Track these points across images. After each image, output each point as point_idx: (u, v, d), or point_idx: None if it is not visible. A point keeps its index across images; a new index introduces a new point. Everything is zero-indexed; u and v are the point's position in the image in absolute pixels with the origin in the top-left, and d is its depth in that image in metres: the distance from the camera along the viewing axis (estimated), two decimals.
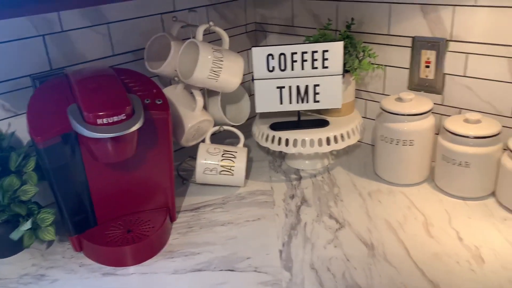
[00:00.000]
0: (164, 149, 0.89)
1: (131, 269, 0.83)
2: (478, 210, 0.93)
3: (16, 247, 0.86)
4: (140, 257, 0.84)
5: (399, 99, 1.02)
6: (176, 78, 1.04)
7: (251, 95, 1.12)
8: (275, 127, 1.09)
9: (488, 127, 0.93)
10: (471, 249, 0.82)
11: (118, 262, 0.84)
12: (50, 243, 0.90)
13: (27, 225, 0.80)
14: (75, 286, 0.79)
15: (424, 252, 0.82)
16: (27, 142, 0.95)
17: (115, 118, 0.73)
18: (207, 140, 1.07)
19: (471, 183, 0.95)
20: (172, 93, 1.04)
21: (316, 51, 1.00)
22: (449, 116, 1.02)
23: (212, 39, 1.12)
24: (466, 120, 0.96)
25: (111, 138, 0.75)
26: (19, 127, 0.93)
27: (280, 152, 1.20)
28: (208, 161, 1.03)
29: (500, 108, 0.98)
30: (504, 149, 0.93)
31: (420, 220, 0.91)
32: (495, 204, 0.94)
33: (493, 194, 0.96)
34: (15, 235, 0.80)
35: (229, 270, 0.81)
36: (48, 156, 0.78)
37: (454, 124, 0.96)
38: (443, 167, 0.98)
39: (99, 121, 0.73)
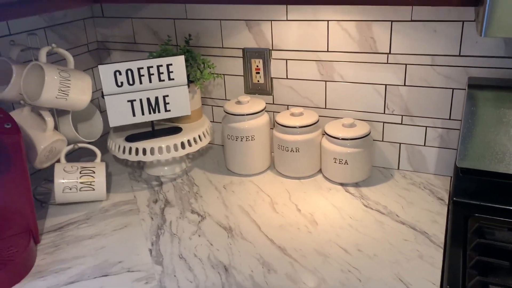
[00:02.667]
0: (19, 173, 0.89)
1: None
2: (310, 186, 1.14)
3: None
4: (8, 282, 0.83)
5: (239, 102, 1.18)
6: (22, 102, 1.03)
7: (103, 111, 1.17)
8: (130, 139, 1.15)
9: (309, 117, 1.15)
10: (307, 216, 1.01)
11: None
12: None
13: None
14: None
15: (272, 226, 0.98)
16: None
17: None
18: (63, 160, 1.09)
19: (303, 165, 1.15)
20: (19, 116, 1.03)
21: (161, 65, 1.10)
22: (279, 112, 1.21)
23: (55, 59, 1.13)
24: (292, 114, 1.16)
25: None
26: None
27: (139, 162, 1.26)
28: (66, 179, 1.05)
29: (316, 101, 1.21)
30: (323, 134, 1.15)
31: (267, 201, 1.08)
32: (322, 179, 1.16)
33: (320, 171, 1.18)
34: None
35: (103, 276, 0.86)
36: None
37: (283, 118, 1.15)
38: (279, 155, 1.17)
39: None
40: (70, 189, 1.05)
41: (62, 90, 0.99)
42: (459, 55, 1.02)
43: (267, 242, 0.93)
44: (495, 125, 0.92)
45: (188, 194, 1.13)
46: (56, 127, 1.09)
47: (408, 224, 0.96)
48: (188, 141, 1.16)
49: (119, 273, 0.86)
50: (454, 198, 0.99)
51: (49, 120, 1.04)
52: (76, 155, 1.20)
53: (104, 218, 1.04)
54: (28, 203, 0.92)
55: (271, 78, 1.24)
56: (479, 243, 0.84)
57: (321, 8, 1.11)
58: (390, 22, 1.05)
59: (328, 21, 1.11)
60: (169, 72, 1.11)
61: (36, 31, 1.17)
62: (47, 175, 1.19)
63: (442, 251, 0.87)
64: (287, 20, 1.16)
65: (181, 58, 1.11)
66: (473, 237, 0.87)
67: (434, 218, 0.97)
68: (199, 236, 0.96)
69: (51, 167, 1.08)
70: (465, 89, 0.99)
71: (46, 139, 1.03)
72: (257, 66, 1.24)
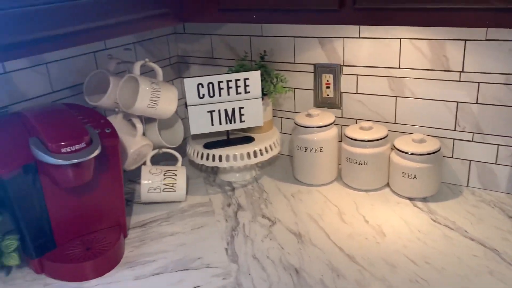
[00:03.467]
0: (115, 173, 1.01)
1: (94, 282, 0.92)
2: (377, 198, 1.17)
3: None
4: (101, 270, 0.94)
5: (309, 115, 1.24)
6: (116, 109, 1.15)
7: (183, 119, 1.27)
8: (207, 146, 1.24)
9: (378, 131, 1.18)
10: (375, 228, 1.04)
11: (81, 277, 0.92)
12: (8, 270, 0.96)
13: None
14: None
15: (341, 234, 1.02)
16: None
17: (77, 146, 0.84)
18: (148, 163, 1.20)
19: (370, 177, 1.19)
20: (114, 122, 1.15)
21: (238, 79, 1.19)
22: (348, 125, 1.26)
23: (143, 71, 1.25)
24: (361, 128, 1.20)
25: (72, 164, 0.85)
26: None
27: (213, 168, 1.35)
28: (152, 181, 1.16)
29: (386, 116, 1.24)
30: (392, 148, 1.18)
31: (335, 211, 1.12)
32: (390, 192, 1.19)
33: (387, 184, 1.21)
34: None
35: (184, 270, 0.94)
36: (11, 186, 0.86)
37: (352, 131, 1.19)
38: (347, 167, 1.21)
39: (63, 150, 0.83)
40: (154, 189, 1.15)
41: (153, 100, 1.10)
42: None
43: (335, 250, 0.97)
44: None
45: (258, 200, 1.20)
46: (144, 134, 1.20)
47: (477, 241, 0.97)
48: (260, 150, 1.23)
49: (199, 268, 0.94)
50: None
51: (139, 126, 1.15)
52: (155, 159, 1.30)
53: (183, 217, 1.14)
54: (120, 200, 1.03)
55: (341, 92, 1.29)
56: None
57: (394, 27, 1.15)
58: (464, 41, 1.07)
59: (400, 39, 1.15)
60: (245, 85, 1.20)
61: (129, 45, 1.30)
62: (130, 176, 1.31)
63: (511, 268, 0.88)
64: (359, 37, 1.21)
65: (258, 73, 1.19)
66: None
67: (505, 236, 0.97)
68: (271, 239, 1.02)
69: (135, 170, 1.19)
70: None
71: (136, 144, 1.15)
72: (327, 80, 1.29)
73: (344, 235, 1.02)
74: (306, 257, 0.95)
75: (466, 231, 1.00)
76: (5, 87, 1.04)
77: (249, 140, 1.26)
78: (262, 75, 1.25)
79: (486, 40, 1.05)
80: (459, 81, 1.11)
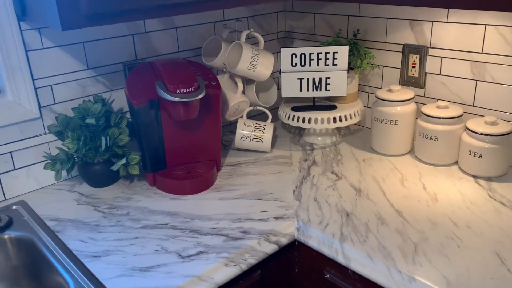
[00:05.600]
0: (216, 118, 1.26)
1: (190, 196, 1.20)
2: (443, 172, 1.25)
3: (111, 178, 1.25)
4: (196, 189, 1.21)
5: (390, 90, 1.36)
6: (224, 69, 1.41)
7: (279, 89, 1.48)
8: (295, 109, 1.44)
9: (453, 111, 1.26)
10: (430, 194, 1.15)
11: (182, 191, 1.20)
12: (131, 180, 1.29)
13: (123, 160, 1.18)
14: (152, 204, 1.17)
15: (396, 194, 1.15)
16: (118, 109, 1.34)
17: (188, 89, 1.11)
18: (244, 116, 1.44)
19: (440, 153, 1.28)
20: (221, 79, 1.41)
21: (328, 52, 1.36)
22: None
23: (252, 41, 1.49)
24: (438, 106, 1.29)
25: (183, 102, 1.12)
26: (114, 98, 1.32)
27: (299, 130, 1.55)
28: (245, 131, 1.40)
29: (465, 98, 1.31)
30: (464, 129, 1.25)
31: (398, 177, 1.24)
32: (457, 169, 1.27)
33: (456, 162, 1.29)
34: (115, 167, 1.19)
35: (257, 199, 1.17)
36: (139, 115, 1.17)
37: (429, 109, 1.29)
38: (420, 141, 1.31)
39: (177, 90, 1.10)
40: (246, 138, 1.39)
41: (252, 64, 1.33)
42: None
43: (387, 204, 1.11)
44: None
45: (332, 160, 1.37)
46: (244, 92, 1.44)
47: None
48: (340, 117, 1.40)
49: (269, 200, 1.16)
50: None
51: (240, 85, 1.40)
52: (251, 114, 1.54)
53: (266, 164, 1.36)
54: (217, 140, 1.29)
55: (425, 73, 1.38)
56: None
57: (481, 13, 1.21)
58: None
59: (486, 25, 1.20)
60: (334, 58, 1.36)
61: (241, 19, 1.55)
62: (231, 128, 1.57)
63: None
64: (447, 22, 1.28)
65: (345, 48, 1.35)
66: None
67: None
68: (333, 189, 1.20)
69: (235, 123, 1.44)
70: None
71: (236, 99, 1.40)
72: (414, 61, 1.39)
73: (399, 196, 1.15)
74: (359, 206, 1.11)
75: None
76: (144, 44, 1.36)
77: (332, 108, 1.43)
78: (351, 50, 1.40)
79: None
80: None
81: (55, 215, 1.13)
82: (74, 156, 1.19)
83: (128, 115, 1.33)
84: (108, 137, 1.18)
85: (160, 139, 1.23)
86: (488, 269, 0.87)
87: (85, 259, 0.96)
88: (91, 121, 1.16)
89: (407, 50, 1.39)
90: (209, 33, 1.50)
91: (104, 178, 1.24)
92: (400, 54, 1.42)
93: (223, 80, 1.43)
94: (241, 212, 1.11)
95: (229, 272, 0.94)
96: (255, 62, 1.34)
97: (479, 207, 1.08)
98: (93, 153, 1.18)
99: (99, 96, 1.25)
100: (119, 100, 1.34)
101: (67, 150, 1.17)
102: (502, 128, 1.17)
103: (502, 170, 1.20)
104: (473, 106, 1.30)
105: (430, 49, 1.34)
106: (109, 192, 1.23)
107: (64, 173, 1.23)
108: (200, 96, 1.13)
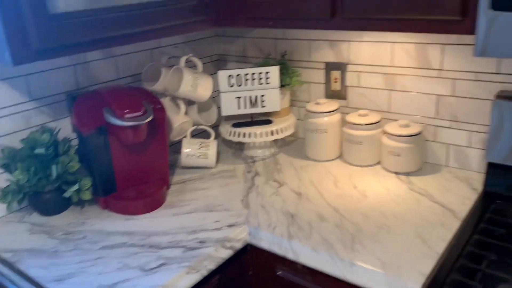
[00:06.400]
0: (162, 138, 1.34)
1: (143, 216, 1.26)
2: (369, 172, 1.43)
3: (63, 205, 1.27)
4: (149, 208, 1.27)
5: (317, 103, 1.52)
6: (166, 93, 1.49)
7: (218, 107, 1.59)
8: (236, 125, 1.56)
9: (373, 118, 1.44)
10: (360, 191, 1.31)
11: (135, 211, 1.26)
12: (82, 205, 1.32)
13: (75, 186, 1.22)
14: (107, 227, 1.21)
15: (332, 195, 1.30)
16: (64, 137, 1.37)
17: (136, 114, 1.18)
18: (188, 136, 1.53)
19: (364, 155, 1.45)
20: (163, 102, 1.49)
21: (261, 72, 1.50)
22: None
23: (189, 65, 1.59)
24: (359, 114, 1.47)
25: (131, 126, 1.19)
26: (60, 128, 1.35)
27: (240, 144, 1.66)
28: (190, 149, 1.49)
29: (381, 106, 1.50)
30: (383, 133, 1.44)
31: (332, 180, 1.40)
32: (381, 168, 1.45)
33: (379, 162, 1.47)
34: (67, 194, 1.22)
35: (209, 211, 1.26)
36: (89, 142, 1.21)
37: (352, 117, 1.46)
38: (347, 146, 1.48)
39: (126, 115, 1.17)
40: (192, 156, 1.48)
41: (193, 86, 1.43)
42: (497, 73, 1.24)
43: (325, 204, 1.25)
44: None
45: (273, 169, 1.49)
46: (186, 113, 1.53)
47: (440, 204, 1.21)
48: (276, 130, 1.53)
49: (220, 211, 1.25)
50: (484, 188, 1.22)
51: (182, 107, 1.49)
52: (194, 134, 1.63)
53: (212, 179, 1.46)
54: (165, 160, 1.36)
55: (346, 86, 1.56)
56: (490, 218, 1.07)
57: (388, 33, 1.41)
58: (442, 45, 1.32)
59: (393, 42, 1.41)
60: (266, 78, 1.50)
61: (178, 45, 1.65)
62: (176, 148, 1.65)
63: (460, 222, 1.12)
64: (361, 41, 1.48)
65: (276, 68, 1.49)
66: (489, 215, 1.10)
67: (464, 202, 1.21)
68: (277, 195, 1.32)
69: (178, 142, 1.52)
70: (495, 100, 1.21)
71: (179, 120, 1.48)
72: (336, 76, 1.57)
73: (335, 195, 1.30)
74: (302, 207, 1.24)
75: (433, 197, 1.25)
76: (85, 73, 1.41)
77: (268, 122, 1.56)
78: (281, 70, 1.55)
79: (459, 44, 1.29)
80: (439, 77, 1.35)
81: (9, 247, 1.13)
82: (26, 187, 1.20)
83: (75, 142, 1.36)
84: (58, 165, 1.21)
85: (109, 163, 1.28)
86: (413, 248, 1.03)
87: (49, 284, 0.98)
88: (40, 151, 1.18)
89: (329, 67, 1.57)
90: (148, 59, 1.57)
91: (56, 206, 1.26)
92: (324, 71, 1.59)
93: (165, 102, 1.50)
94: (195, 224, 1.19)
95: (191, 279, 1.02)
96: (196, 85, 1.44)
97: (402, 198, 1.25)
98: (44, 182, 1.20)
99: (45, 126, 1.27)
100: (64, 128, 1.37)
101: (17, 181, 1.18)
102: (414, 129, 1.37)
103: (418, 165, 1.39)
104: (388, 112, 1.49)
105: (348, 65, 1.53)
106: (61, 219, 1.26)
107: (13, 205, 1.23)
108: (149, 119, 1.20)
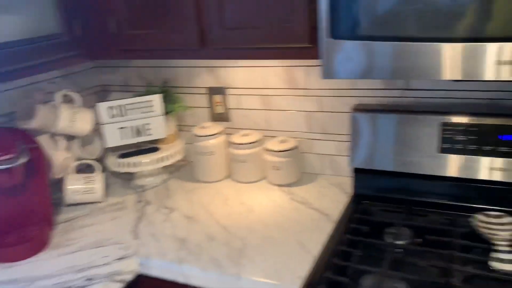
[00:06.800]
0: (42, 178, 1.30)
1: (27, 261, 1.20)
2: (255, 187, 1.52)
3: None
4: (32, 252, 1.21)
5: (203, 127, 1.58)
6: (43, 130, 1.44)
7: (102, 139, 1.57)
8: (122, 156, 1.55)
9: (254, 137, 1.54)
10: (247, 207, 1.38)
11: (16, 258, 1.19)
12: None
13: None
14: None
15: (222, 213, 1.36)
16: None
17: (9, 156, 1.13)
18: (72, 171, 1.49)
19: (250, 172, 1.54)
20: (41, 140, 1.44)
21: (143, 101, 1.52)
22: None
23: (68, 100, 1.55)
24: (242, 135, 1.55)
25: (6, 169, 1.14)
26: None
27: (129, 173, 1.66)
28: (74, 186, 1.45)
29: (261, 125, 1.61)
30: (265, 150, 1.54)
31: (222, 199, 1.46)
32: (266, 182, 1.54)
33: (264, 177, 1.57)
34: None
35: (98, 247, 1.24)
36: None
37: (236, 138, 1.54)
38: (233, 165, 1.56)
39: None
40: (77, 192, 1.44)
41: (71, 121, 1.40)
42: (354, 89, 1.41)
43: (215, 223, 1.30)
44: (371, 135, 1.30)
45: (163, 196, 1.51)
46: (67, 148, 1.49)
47: (317, 210, 1.33)
48: (164, 157, 1.56)
49: (109, 245, 1.24)
50: (354, 190, 1.37)
51: (62, 142, 1.45)
52: (79, 168, 1.59)
53: (101, 213, 1.43)
54: (47, 201, 1.32)
55: (229, 109, 1.64)
56: (358, 218, 1.21)
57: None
58: (306, 67, 1.46)
59: (265, 67, 1.53)
60: (150, 106, 1.53)
61: (55, 79, 1.60)
62: (61, 186, 1.59)
63: (333, 224, 1.24)
64: (237, 67, 1.57)
65: (158, 96, 1.53)
66: (357, 215, 1.24)
67: (337, 206, 1.34)
68: (167, 222, 1.34)
69: (61, 178, 1.47)
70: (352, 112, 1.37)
71: (60, 156, 1.44)
72: (218, 100, 1.64)
73: (224, 214, 1.36)
74: (192, 230, 1.28)
75: (311, 204, 1.37)
76: None
77: (155, 150, 1.58)
78: (164, 97, 1.59)
79: (319, 65, 1.44)
80: (306, 96, 1.49)
81: None
82: None
83: None
84: None
85: None
86: (293, 255, 1.13)
87: None
88: None
89: (211, 91, 1.65)
90: (22, 97, 1.51)
91: None
92: (206, 95, 1.66)
93: (44, 140, 1.45)
94: (83, 263, 1.17)
95: None
96: (74, 119, 1.41)
97: (284, 209, 1.35)
98: None
99: None
100: None
101: None
102: (290, 144, 1.49)
103: (297, 176, 1.51)
104: (268, 130, 1.60)
105: (228, 89, 1.62)
106: None
107: None
108: (22, 161, 1.16)
